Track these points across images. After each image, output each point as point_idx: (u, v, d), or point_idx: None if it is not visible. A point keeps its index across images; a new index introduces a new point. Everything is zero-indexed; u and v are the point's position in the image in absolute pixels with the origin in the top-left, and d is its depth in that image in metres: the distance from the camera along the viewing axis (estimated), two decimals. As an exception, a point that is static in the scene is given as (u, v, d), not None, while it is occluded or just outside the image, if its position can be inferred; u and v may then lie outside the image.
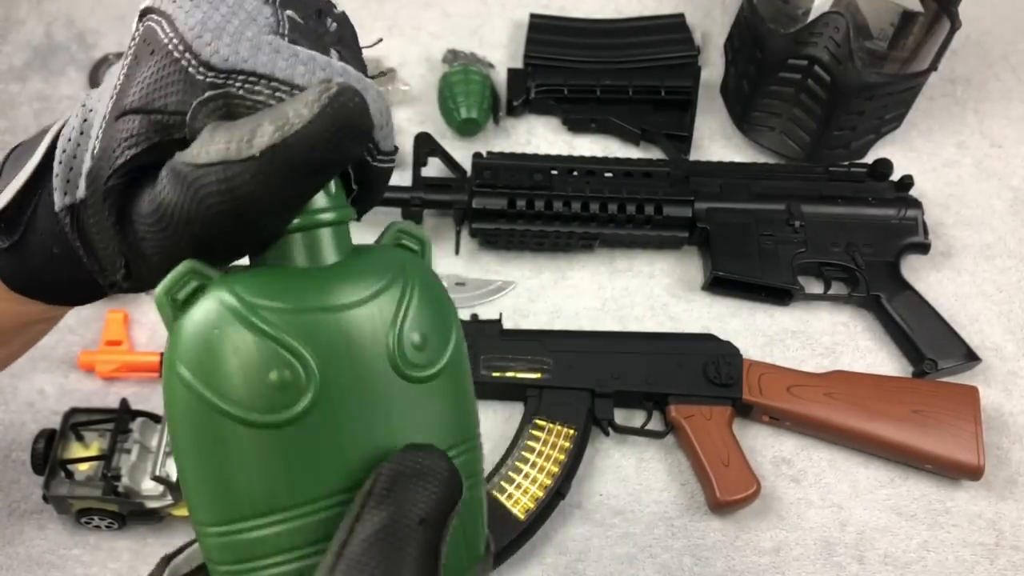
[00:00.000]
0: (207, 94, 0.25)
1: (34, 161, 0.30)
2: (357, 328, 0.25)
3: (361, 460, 0.25)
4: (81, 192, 0.28)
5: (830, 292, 0.82)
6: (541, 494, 0.70)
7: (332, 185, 0.27)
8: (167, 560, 0.29)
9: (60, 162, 0.28)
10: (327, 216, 0.26)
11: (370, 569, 0.22)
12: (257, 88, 0.25)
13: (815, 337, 0.82)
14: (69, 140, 0.28)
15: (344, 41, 0.29)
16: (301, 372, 0.24)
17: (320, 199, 0.26)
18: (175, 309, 0.25)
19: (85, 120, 0.28)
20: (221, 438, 0.24)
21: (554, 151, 0.90)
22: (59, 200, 0.29)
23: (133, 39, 0.27)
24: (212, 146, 0.24)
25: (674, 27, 0.98)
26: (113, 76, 0.28)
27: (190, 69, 0.25)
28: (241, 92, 0.25)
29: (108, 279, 0.30)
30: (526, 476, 0.70)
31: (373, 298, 0.26)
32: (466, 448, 0.28)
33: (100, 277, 0.30)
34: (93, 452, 0.66)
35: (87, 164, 0.27)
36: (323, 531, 0.25)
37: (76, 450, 0.67)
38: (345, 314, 0.25)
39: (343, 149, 0.23)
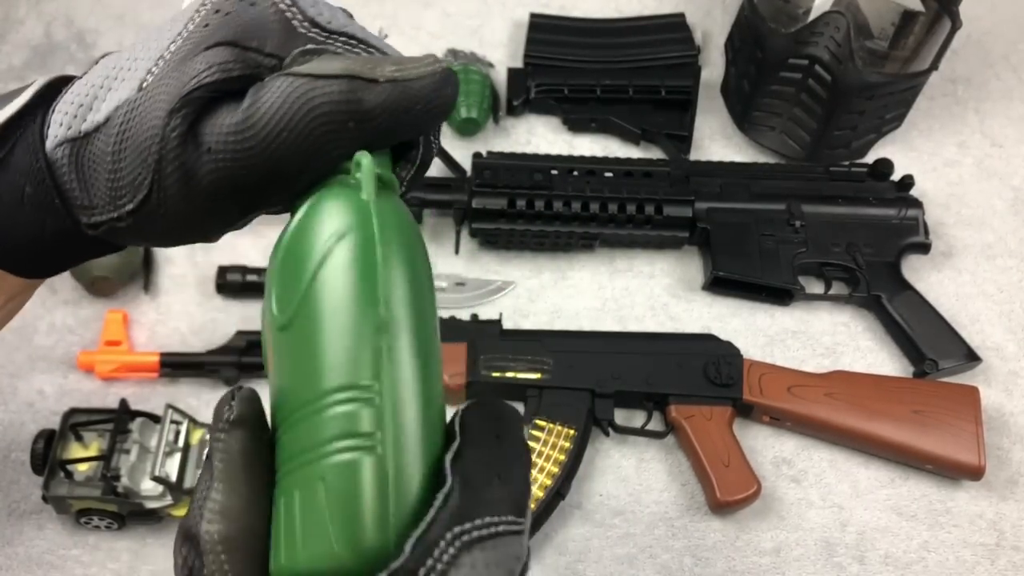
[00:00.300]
0: (309, 45, 0.27)
1: (21, 100, 0.30)
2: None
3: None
4: (100, 116, 0.28)
5: (831, 292, 0.82)
6: (541, 494, 0.70)
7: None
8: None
9: (69, 102, 0.29)
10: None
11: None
12: (356, 50, 0.28)
13: (816, 337, 0.82)
14: (85, 84, 0.30)
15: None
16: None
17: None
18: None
19: (115, 67, 0.29)
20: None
21: (554, 151, 0.90)
22: (59, 133, 0.29)
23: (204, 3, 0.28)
24: (334, 64, 0.26)
25: (674, 26, 0.98)
26: (157, 34, 0.29)
27: (294, 21, 0.28)
28: (340, 52, 0.28)
29: (97, 216, 0.29)
30: (526, 476, 0.70)
31: (273, 258, 0.28)
32: (333, 402, 0.24)
33: (85, 214, 0.29)
34: (92, 452, 0.66)
35: (122, 93, 0.28)
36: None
37: (75, 450, 0.67)
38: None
39: (436, 113, 0.27)
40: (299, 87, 0.26)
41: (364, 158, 0.26)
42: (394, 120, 0.26)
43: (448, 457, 0.25)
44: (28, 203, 0.29)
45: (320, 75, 0.26)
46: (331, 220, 0.26)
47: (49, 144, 0.29)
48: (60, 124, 0.29)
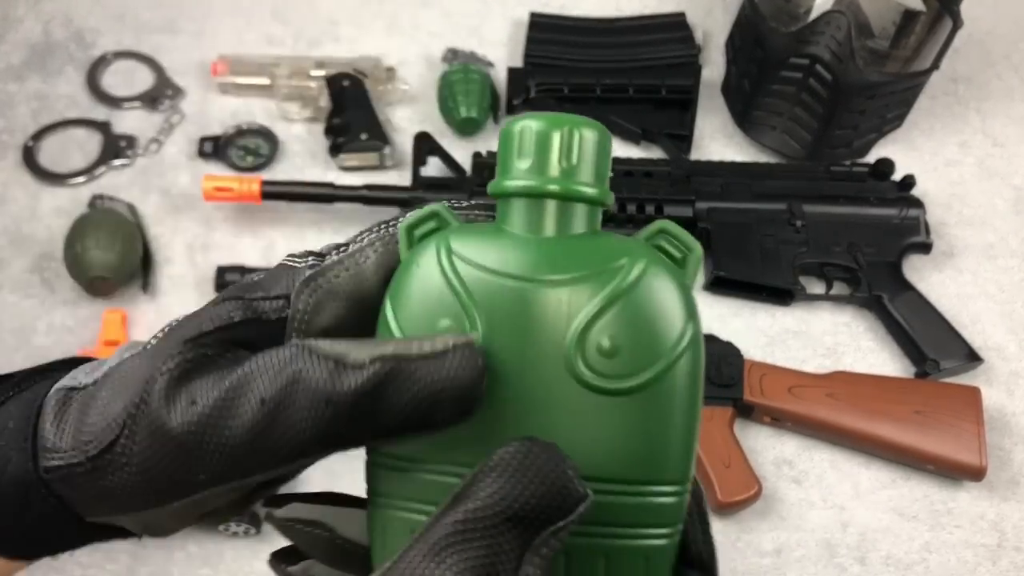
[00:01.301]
0: (309, 272, 0.25)
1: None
2: (539, 307, 0.23)
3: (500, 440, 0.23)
4: (102, 370, 0.26)
5: (832, 292, 0.82)
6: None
7: (590, 160, 0.25)
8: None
9: (86, 369, 0.27)
10: (554, 187, 0.24)
11: (428, 561, 0.20)
12: (343, 251, 0.26)
13: (816, 337, 0.81)
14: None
15: None
16: (467, 328, 0.24)
17: (554, 166, 0.24)
18: (410, 244, 0.25)
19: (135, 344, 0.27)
20: None
21: (554, 150, 0.90)
22: (62, 383, 0.27)
23: None
24: (364, 350, 0.23)
25: (675, 26, 0.97)
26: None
27: (296, 263, 0.26)
28: (333, 259, 0.25)
29: (56, 459, 0.25)
30: (526, 477, 0.70)
31: (570, 284, 0.23)
32: (652, 492, 0.24)
33: (46, 456, 0.25)
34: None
35: (128, 352, 0.26)
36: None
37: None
38: (529, 287, 0.23)
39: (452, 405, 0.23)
40: (336, 367, 0.23)
41: (692, 242, 0.25)
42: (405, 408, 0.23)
43: None
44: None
45: (354, 362, 0.23)
46: (683, 305, 0.24)
47: (50, 392, 0.26)
48: (69, 377, 0.27)
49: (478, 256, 0.24)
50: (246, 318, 0.25)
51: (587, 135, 0.25)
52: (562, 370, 0.23)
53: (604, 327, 0.23)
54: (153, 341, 0.26)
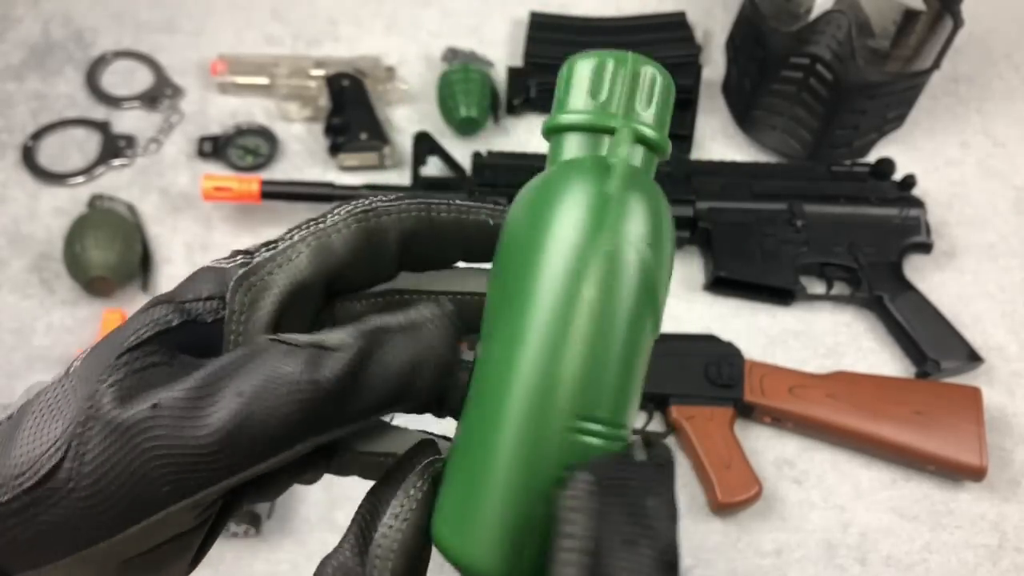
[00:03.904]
0: (241, 271, 0.24)
1: None
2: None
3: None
4: (19, 403, 0.25)
5: (832, 292, 0.82)
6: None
7: (652, 103, 0.23)
8: None
9: None
10: (615, 123, 0.23)
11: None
12: (272, 248, 0.25)
13: (817, 338, 0.81)
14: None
15: None
16: None
17: (617, 103, 0.23)
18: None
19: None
20: None
21: (554, 150, 0.89)
22: None
23: None
24: (340, 332, 0.23)
25: (675, 25, 0.97)
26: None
27: (223, 264, 0.25)
28: (264, 256, 0.25)
29: None
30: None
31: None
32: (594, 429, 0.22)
33: None
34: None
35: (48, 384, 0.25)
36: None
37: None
38: None
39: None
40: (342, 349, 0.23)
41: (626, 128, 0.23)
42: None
43: None
44: None
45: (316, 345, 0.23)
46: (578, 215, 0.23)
47: None
48: None
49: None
50: (183, 321, 0.24)
51: (655, 77, 0.23)
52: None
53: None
54: (73, 368, 0.24)
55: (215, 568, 0.68)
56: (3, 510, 0.22)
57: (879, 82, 0.82)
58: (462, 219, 0.26)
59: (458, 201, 0.26)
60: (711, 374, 0.74)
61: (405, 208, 0.25)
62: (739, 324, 0.82)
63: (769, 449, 0.76)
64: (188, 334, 0.24)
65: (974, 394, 0.74)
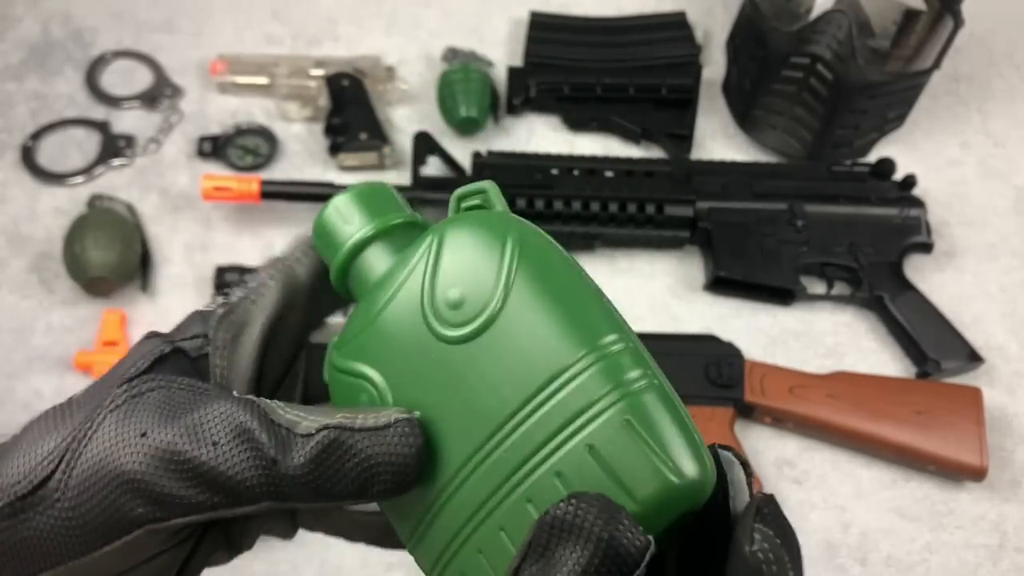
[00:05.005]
0: (221, 311, 0.27)
1: None
2: (397, 313, 0.26)
3: (438, 426, 0.24)
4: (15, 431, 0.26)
5: (832, 292, 0.82)
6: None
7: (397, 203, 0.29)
8: None
9: None
10: (357, 237, 0.28)
11: None
12: (243, 280, 0.28)
13: (817, 338, 0.81)
14: None
15: None
16: (372, 392, 0.26)
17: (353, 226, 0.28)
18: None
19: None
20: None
21: (554, 150, 0.89)
22: None
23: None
24: (313, 419, 0.24)
25: (675, 25, 0.97)
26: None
27: (209, 308, 0.28)
28: (239, 295, 0.28)
29: None
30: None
31: (406, 271, 0.26)
32: (584, 365, 0.23)
33: None
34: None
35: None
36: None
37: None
38: (385, 309, 0.26)
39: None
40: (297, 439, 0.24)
41: (485, 184, 0.27)
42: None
43: None
44: None
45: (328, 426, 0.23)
46: (487, 232, 0.25)
47: None
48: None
49: (347, 335, 0.27)
50: (174, 350, 0.26)
51: (344, 199, 0.28)
52: (432, 341, 0.25)
53: (442, 284, 0.25)
54: (75, 397, 0.26)
55: (214, 567, 0.68)
56: None
57: (879, 82, 0.82)
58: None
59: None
60: (711, 374, 0.74)
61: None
62: (739, 324, 0.82)
63: (769, 449, 0.76)
64: (178, 365, 0.26)
65: (974, 394, 0.74)
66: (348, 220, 0.27)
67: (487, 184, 0.27)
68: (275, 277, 0.28)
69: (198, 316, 0.27)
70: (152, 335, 0.27)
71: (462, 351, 0.24)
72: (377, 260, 0.27)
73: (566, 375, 0.23)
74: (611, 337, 0.23)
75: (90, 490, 0.23)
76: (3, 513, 0.23)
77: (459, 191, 0.27)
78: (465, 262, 0.25)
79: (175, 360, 0.26)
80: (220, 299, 0.28)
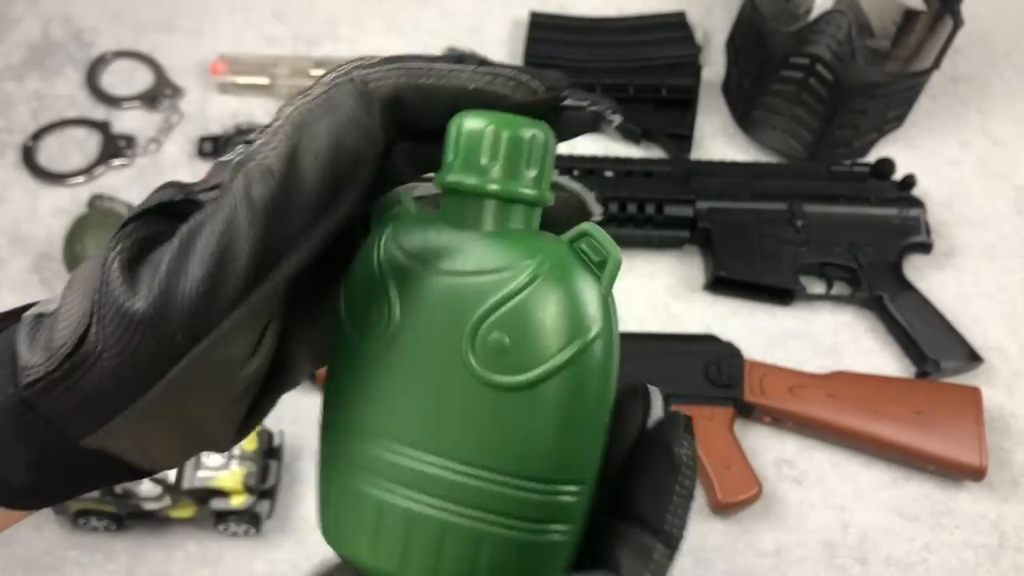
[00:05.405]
0: (238, 158, 0.26)
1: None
2: (449, 299, 0.24)
3: (411, 438, 0.25)
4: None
5: (832, 292, 0.82)
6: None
7: (530, 162, 0.25)
8: None
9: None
10: (494, 187, 0.25)
11: None
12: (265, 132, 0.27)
13: (817, 337, 0.81)
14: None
15: None
16: (386, 316, 0.25)
17: (496, 170, 0.25)
18: (377, 224, 0.27)
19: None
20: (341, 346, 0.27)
21: (554, 150, 0.89)
22: (34, 310, 0.27)
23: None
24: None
25: (675, 25, 0.97)
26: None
27: (229, 158, 0.27)
28: (259, 142, 0.27)
29: (34, 374, 0.25)
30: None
31: (479, 275, 0.24)
32: (546, 490, 0.24)
33: (24, 374, 0.25)
34: (90, 453, 0.66)
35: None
36: (385, 469, 0.26)
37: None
38: (444, 279, 0.25)
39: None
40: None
41: (612, 248, 0.25)
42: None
43: None
44: None
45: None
46: (570, 314, 0.24)
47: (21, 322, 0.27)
48: (39, 306, 0.27)
49: (411, 247, 0.25)
50: (185, 198, 0.26)
51: (530, 136, 0.25)
52: (459, 361, 0.24)
53: (496, 323, 0.24)
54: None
55: (215, 568, 0.68)
56: (53, 377, 0.24)
57: (879, 82, 0.82)
58: (443, 84, 0.26)
59: (439, 65, 0.26)
60: (711, 374, 0.74)
61: (385, 75, 0.26)
62: (739, 324, 0.82)
63: (769, 449, 0.76)
64: (190, 212, 0.25)
65: (974, 394, 0.74)
66: (492, 155, 0.25)
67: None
68: (292, 120, 0.26)
69: (218, 167, 0.26)
70: (170, 184, 0.26)
71: (479, 389, 0.24)
72: (486, 218, 0.25)
73: (516, 484, 0.24)
74: (571, 488, 0.25)
75: (125, 335, 0.24)
76: (59, 371, 0.24)
77: (588, 228, 0.25)
78: (537, 318, 0.24)
79: (185, 207, 0.25)
80: (240, 146, 0.26)
